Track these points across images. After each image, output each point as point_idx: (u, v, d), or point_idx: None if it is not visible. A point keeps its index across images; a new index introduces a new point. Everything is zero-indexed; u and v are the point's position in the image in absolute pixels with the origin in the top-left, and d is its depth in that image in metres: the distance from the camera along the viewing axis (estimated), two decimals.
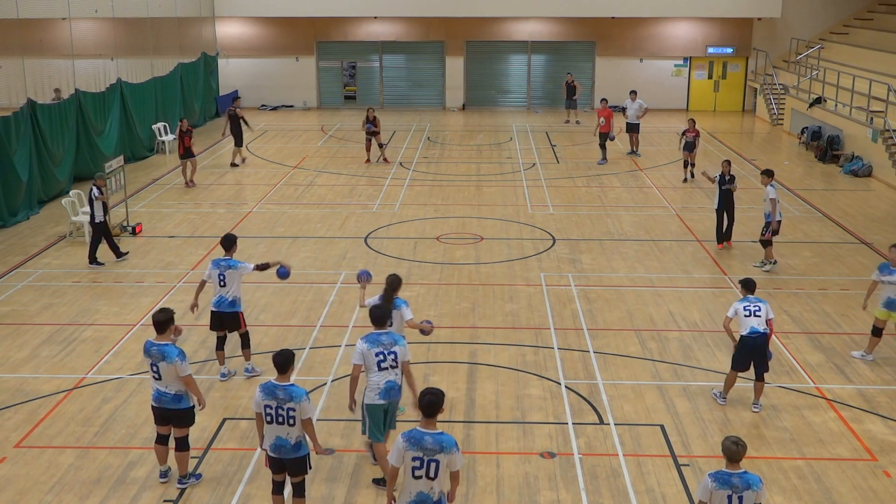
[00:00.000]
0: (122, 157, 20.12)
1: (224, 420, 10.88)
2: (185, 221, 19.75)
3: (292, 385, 8.35)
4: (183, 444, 9.39)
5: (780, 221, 16.21)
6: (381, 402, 9.17)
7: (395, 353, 9.14)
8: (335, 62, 37.67)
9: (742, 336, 10.84)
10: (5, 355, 12.82)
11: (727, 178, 17.36)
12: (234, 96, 28.24)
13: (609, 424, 10.85)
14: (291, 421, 8.30)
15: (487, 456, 10.02)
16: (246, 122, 25.77)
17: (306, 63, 37.39)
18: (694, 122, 23.66)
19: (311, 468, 8.68)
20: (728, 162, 17.62)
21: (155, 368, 9.14)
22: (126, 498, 9.31)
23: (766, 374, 11.08)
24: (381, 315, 9.32)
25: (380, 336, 9.17)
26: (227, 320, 11.81)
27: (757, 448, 10.21)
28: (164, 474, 9.55)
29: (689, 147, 23.30)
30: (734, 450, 7.23)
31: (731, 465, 7.27)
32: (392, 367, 9.15)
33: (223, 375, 11.98)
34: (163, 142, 27.82)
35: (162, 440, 9.46)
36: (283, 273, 11.88)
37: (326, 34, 37.08)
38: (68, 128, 22.45)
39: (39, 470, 9.83)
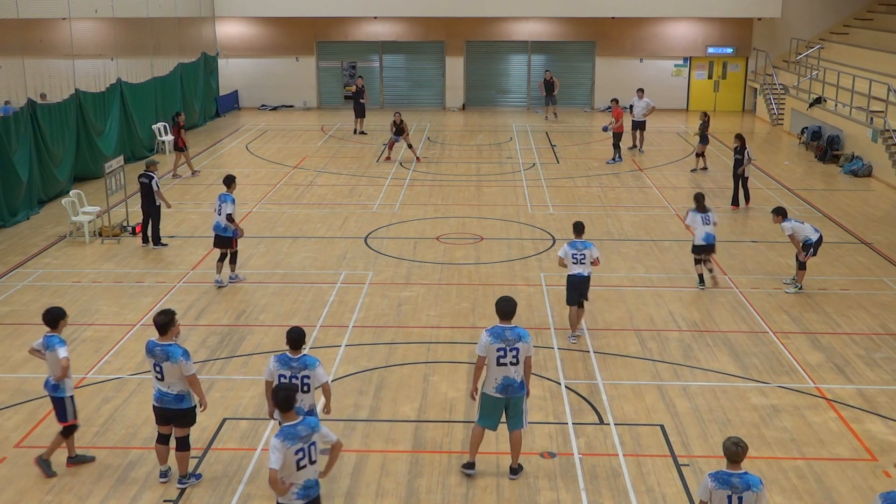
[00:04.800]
0: (122, 157, 20.16)
1: (224, 420, 10.88)
2: (185, 221, 19.75)
3: (305, 355, 8.96)
4: (184, 444, 9.39)
5: (813, 245, 15.10)
6: (499, 395, 9.34)
7: (517, 349, 9.19)
8: (335, 62, 37.66)
9: (569, 275, 13.11)
10: (5, 355, 12.82)
11: (737, 149, 20.64)
12: (358, 76, 32.44)
13: (609, 424, 10.85)
14: (306, 388, 8.89)
15: (487, 456, 10.02)
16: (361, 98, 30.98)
17: (306, 63, 37.38)
18: (706, 114, 24.99)
19: None
20: (739, 136, 20.72)
21: (158, 368, 9.14)
22: (126, 498, 9.31)
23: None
24: (507, 309, 9.36)
25: (504, 331, 9.25)
26: (223, 241, 15.24)
27: (757, 448, 10.21)
28: (165, 474, 9.55)
29: (703, 139, 24.71)
30: (734, 450, 7.24)
31: (731, 466, 7.27)
32: (512, 363, 9.21)
33: (217, 282, 15.44)
34: (163, 142, 27.80)
35: (163, 440, 9.46)
36: (234, 233, 15.21)
37: (326, 34, 37.07)
38: (68, 128, 22.45)
39: (39, 470, 9.83)
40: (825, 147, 26.76)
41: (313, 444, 7.60)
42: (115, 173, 18.93)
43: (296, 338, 8.95)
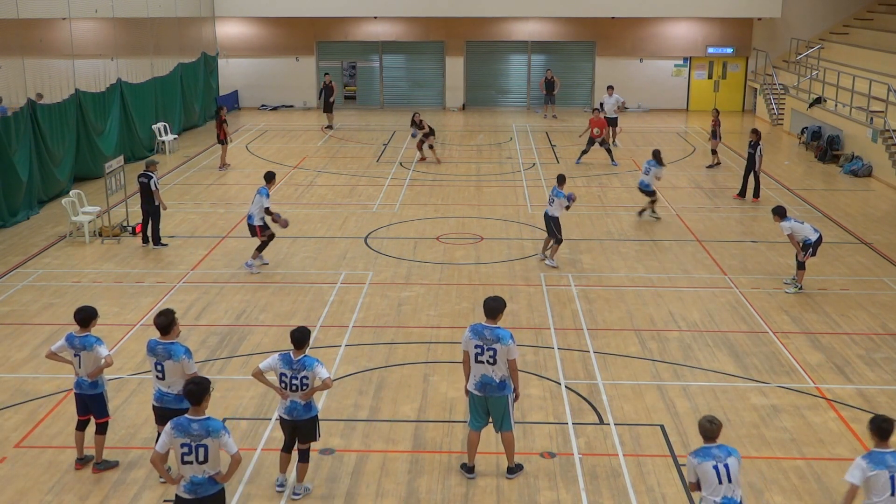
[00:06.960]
0: (122, 157, 20.16)
1: (224, 420, 10.86)
2: (185, 221, 19.75)
3: (306, 356, 9.03)
4: None
5: (812, 245, 15.04)
6: (477, 393, 9.38)
7: (494, 349, 9.16)
8: (335, 62, 37.65)
9: (546, 212, 16.28)
10: (5, 355, 12.82)
11: (752, 143, 21.29)
12: (326, 72, 34.20)
13: (609, 424, 10.85)
14: (305, 388, 8.99)
15: (487, 456, 10.02)
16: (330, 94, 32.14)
17: (306, 63, 37.38)
18: (717, 111, 25.94)
19: (319, 436, 9.28)
20: (755, 131, 21.52)
21: (159, 367, 9.14)
22: (126, 498, 9.32)
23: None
24: (491, 306, 9.33)
25: (484, 330, 9.25)
26: (250, 229, 16.11)
27: (757, 448, 10.22)
28: None
29: (713, 135, 25.70)
30: (709, 427, 7.59)
31: (708, 443, 7.60)
32: (489, 363, 9.21)
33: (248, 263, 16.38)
34: (163, 142, 27.80)
35: None
36: (260, 222, 15.92)
37: (326, 34, 37.07)
38: (68, 128, 22.45)
39: (39, 470, 9.83)
40: (825, 147, 26.76)
41: (203, 445, 7.52)
42: (115, 173, 18.93)
43: (299, 337, 9.00)
